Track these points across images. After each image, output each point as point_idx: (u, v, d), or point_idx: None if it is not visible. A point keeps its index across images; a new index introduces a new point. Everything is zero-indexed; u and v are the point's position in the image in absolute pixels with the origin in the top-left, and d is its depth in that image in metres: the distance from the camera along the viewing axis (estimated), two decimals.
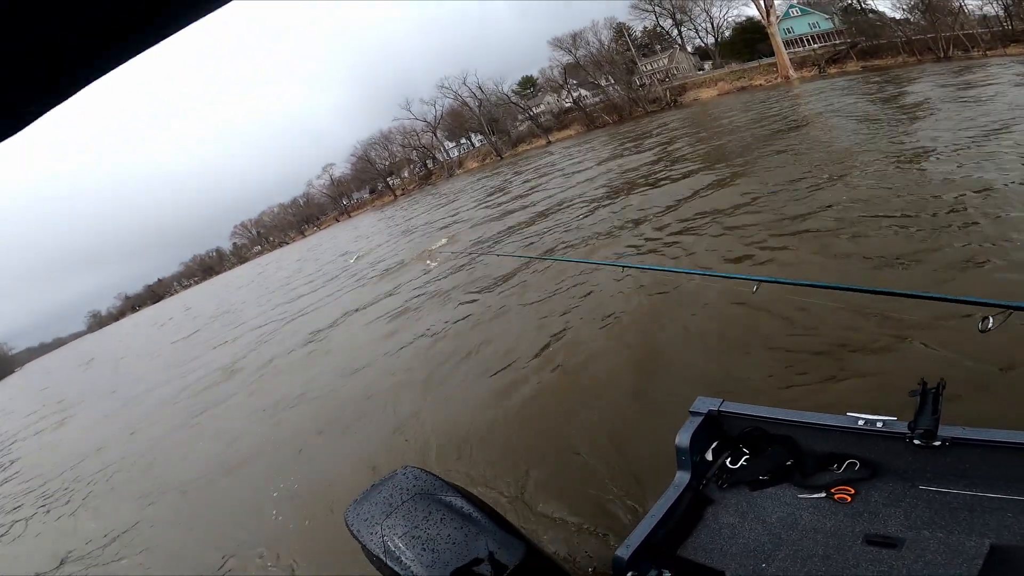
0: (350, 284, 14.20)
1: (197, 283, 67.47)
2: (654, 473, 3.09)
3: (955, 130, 8.81)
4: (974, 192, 5.76)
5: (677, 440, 2.10)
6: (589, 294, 6.50)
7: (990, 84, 13.38)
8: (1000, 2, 22.01)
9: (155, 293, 71.52)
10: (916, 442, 1.68)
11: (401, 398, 5.66)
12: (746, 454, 2.10)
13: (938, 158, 7.57)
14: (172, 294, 69.18)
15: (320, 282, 16.78)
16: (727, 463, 2.11)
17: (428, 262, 10.94)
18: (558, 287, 7.17)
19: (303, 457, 5.27)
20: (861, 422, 1.82)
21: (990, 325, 1.58)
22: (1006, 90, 11.99)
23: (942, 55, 22.59)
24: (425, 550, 2.08)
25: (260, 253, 64.60)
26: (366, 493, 2.41)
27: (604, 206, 11.14)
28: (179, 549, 4.57)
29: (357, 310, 10.72)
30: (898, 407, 1.79)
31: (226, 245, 69.11)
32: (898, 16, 25.98)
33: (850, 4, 29.11)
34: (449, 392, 5.41)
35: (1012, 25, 21.68)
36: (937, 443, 1.65)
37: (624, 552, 1.84)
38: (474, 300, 8.08)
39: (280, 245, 63.02)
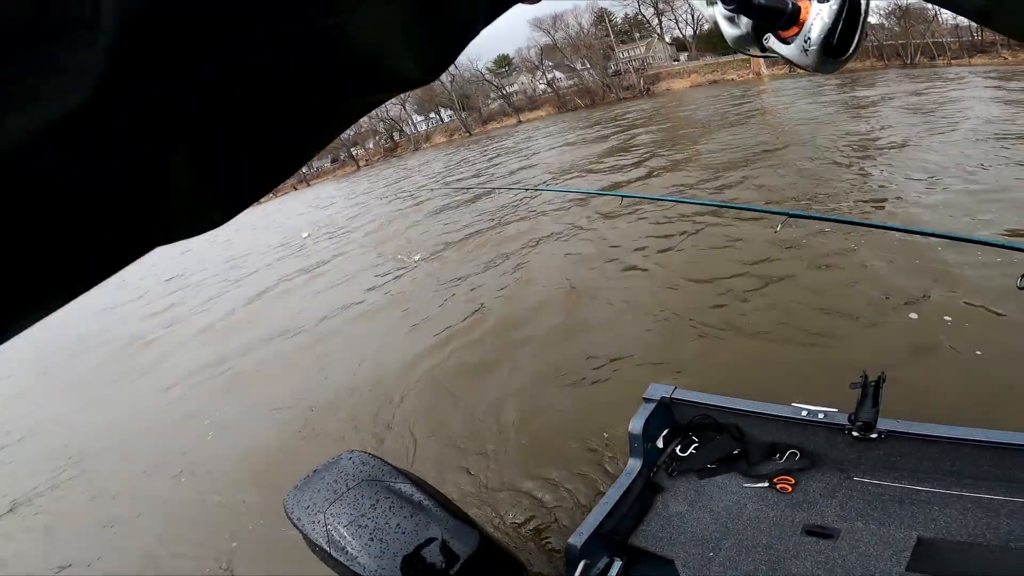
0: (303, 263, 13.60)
1: None
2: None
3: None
4: None
5: (630, 427, 2.10)
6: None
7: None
8: None
9: None
10: (854, 434, 1.73)
11: (342, 379, 5.44)
12: (695, 442, 2.13)
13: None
14: None
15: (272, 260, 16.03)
16: (677, 451, 2.13)
17: (395, 254, 10.35)
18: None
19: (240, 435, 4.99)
20: (804, 412, 1.88)
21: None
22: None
23: (909, 61, 23.50)
24: (373, 540, 1.96)
25: None
26: (307, 479, 2.25)
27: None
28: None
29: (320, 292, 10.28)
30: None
31: None
32: (873, 21, 26.91)
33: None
34: (400, 374, 5.24)
35: (982, 35, 22.49)
36: (874, 435, 1.71)
37: (577, 540, 1.84)
38: (449, 285, 7.88)
39: None
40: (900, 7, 25.09)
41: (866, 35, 0.44)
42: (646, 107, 27.50)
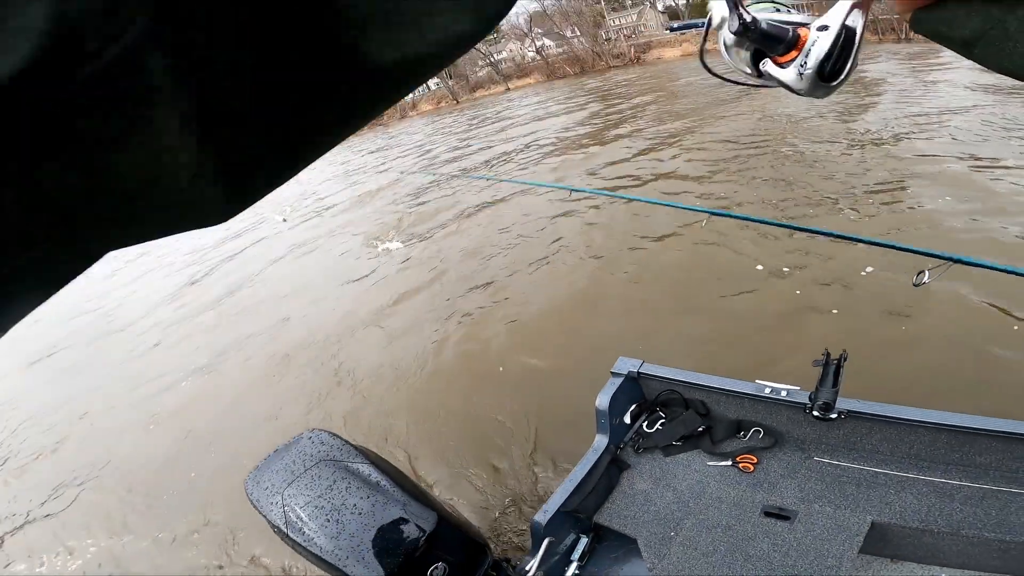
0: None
1: None
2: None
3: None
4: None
5: (597, 402, 2.07)
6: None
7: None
8: None
9: None
10: (814, 414, 1.71)
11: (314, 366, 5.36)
12: (662, 417, 2.11)
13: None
14: None
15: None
16: (644, 427, 2.11)
17: (372, 238, 9.74)
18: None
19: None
20: (767, 390, 1.85)
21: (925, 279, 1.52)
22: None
23: (904, 37, 23.00)
24: (329, 521, 1.94)
25: None
26: (268, 460, 2.21)
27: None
28: None
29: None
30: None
31: None
32: None
33: None
34: (371, 349, 5.19)
35: None
36: (833, 415, 1.69)
37: (542, 517, 1.83)
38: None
39: None
40: None
41: (857, 64, 0.45)
42: (634, 76, 26.89)
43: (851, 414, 1.70)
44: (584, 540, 1.89)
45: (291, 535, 2.00)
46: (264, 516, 2.10)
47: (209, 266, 10.87)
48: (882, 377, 3.00)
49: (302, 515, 2.01)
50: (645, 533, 1.79)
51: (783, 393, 1.83)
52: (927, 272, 1.46)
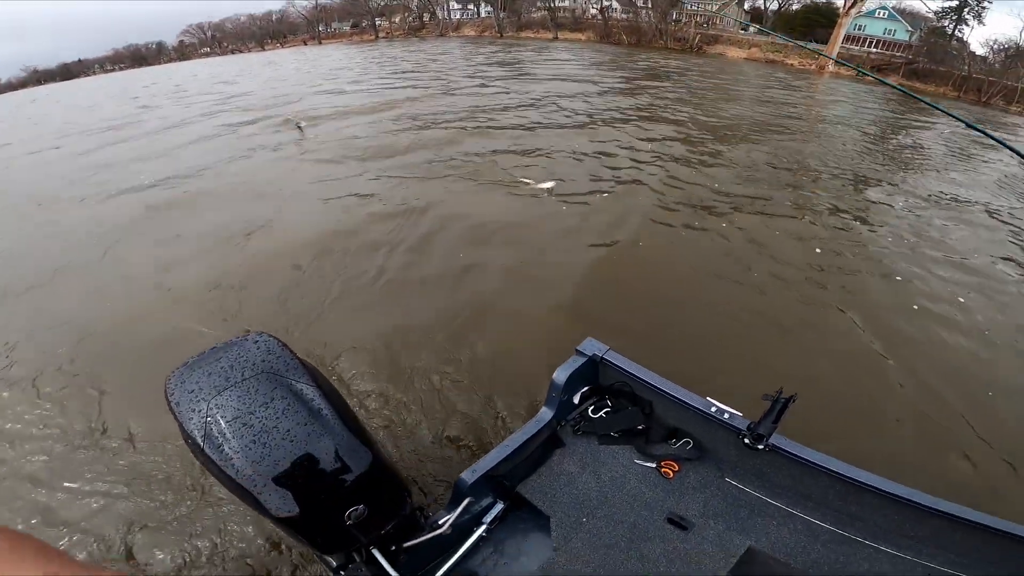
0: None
1: (122, 70, 57.82)
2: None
3: None
4: None
5: (554, 376, 2.06)
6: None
7: None
8: None
9: (68, 71, 60.03)
10: (745, 440, 1.77)
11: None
12: (608, 407, 2.11)
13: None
14: (88, 75, 58.73)
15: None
16: (589, 411, 2.12)
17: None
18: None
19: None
20: (713, 409, 1.89)
21: None
22: None
23: (983, 99, 21.89)
24: (256, 443, 1.68)
25: (208, 55, 56.43)
26: (200, 357, 1.86)
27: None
28: None
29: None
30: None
31: (172, 41, 59.39)
32: (981, 52, 24.42)
33: (942, 27, 27.03)
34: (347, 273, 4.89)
35: None
36: (761, 447, 1.75)
37: (469, 477, 1.81)
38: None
39: (233, 52, 55.27)
40: (1018, 47, 22.85)
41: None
42: (691, 63, 25.60)
43: (775, 449, 1.75)
44: (500, 506, 1.89)
45: (207, 450, 1.72)
46: (180, 423, 1.79)
47: None
48: None
49: (226, 430, 1.74)
50: (559, 513, 1.81)
51: (725, 415, 1.86)
52: None
